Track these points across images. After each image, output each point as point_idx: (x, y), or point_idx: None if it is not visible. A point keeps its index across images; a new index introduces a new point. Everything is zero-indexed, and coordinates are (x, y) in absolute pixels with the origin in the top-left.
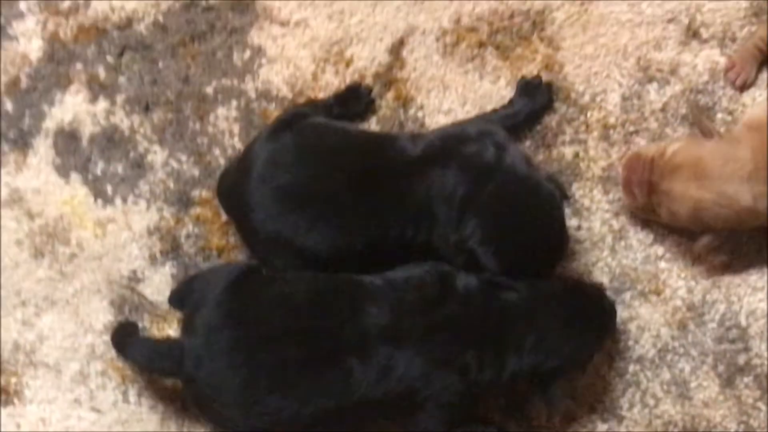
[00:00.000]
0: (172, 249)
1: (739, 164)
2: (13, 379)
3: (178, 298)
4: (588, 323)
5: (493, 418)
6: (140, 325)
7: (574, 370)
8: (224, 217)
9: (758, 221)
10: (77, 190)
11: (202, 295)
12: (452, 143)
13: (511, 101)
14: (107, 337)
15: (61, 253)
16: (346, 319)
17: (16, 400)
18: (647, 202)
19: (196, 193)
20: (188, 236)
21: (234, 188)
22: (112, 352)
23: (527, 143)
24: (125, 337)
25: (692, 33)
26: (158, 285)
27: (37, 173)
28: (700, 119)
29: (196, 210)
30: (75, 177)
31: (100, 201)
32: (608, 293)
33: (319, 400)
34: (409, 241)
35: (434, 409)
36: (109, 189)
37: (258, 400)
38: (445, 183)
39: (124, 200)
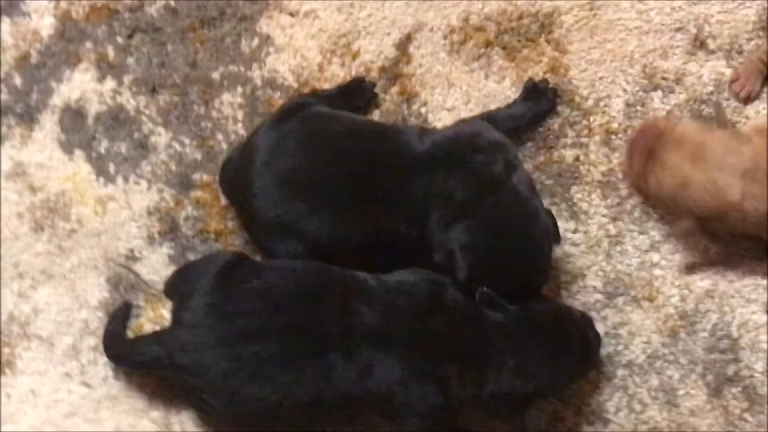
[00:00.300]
0: (170, 230)
1: (739, 159)
2: (6, 350)
3: (171, 289)
4: (571, 352)
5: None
6: (135, 303)
7: (551, 395)
8: (224, 201)
9: (738, 224)
10: (80, 167)
11: (190, 285)
12: (462, 148)
13: (515, 102)
14: (101, 314)
15: (61, 228)
16: (336, 314)
17: (7, 371)
18: (642, 170)
19: (197, 177)
20: (187, 218)
21: (237, 173)
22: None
23: (528, 144)
24: (115, 339)
25: (699, 43)
26: (155, 265)
27: (41, 148)
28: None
29: (197, 193)
30: (79, 154)
31: (102, 179)
32: (601, 298)
33: (299, 392)
34: (403, 236)
35: (409, 416)
36: (111, 168)
37: (238, 390)
38: (447, 186)
39: (126, 179)
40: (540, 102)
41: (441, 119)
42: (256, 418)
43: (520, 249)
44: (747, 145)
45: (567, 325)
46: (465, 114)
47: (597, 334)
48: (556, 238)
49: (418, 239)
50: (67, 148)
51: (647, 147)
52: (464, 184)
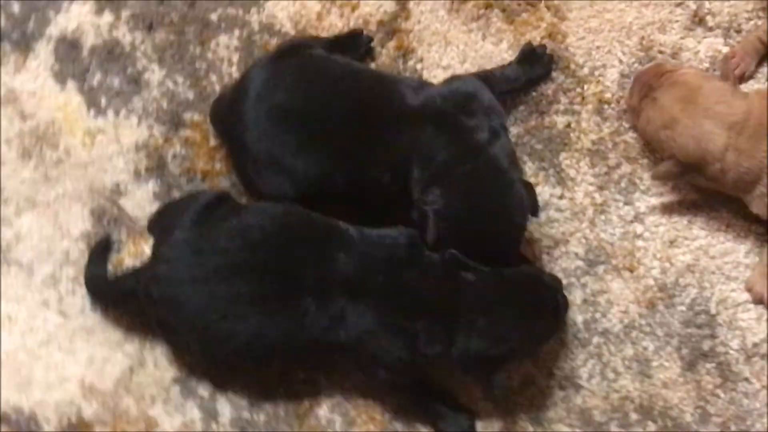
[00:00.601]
0: (157, 167)
1: (730, 110)
2: None
3: (153, 225)
4: (541, 316)
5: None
6: (117, 238)
7: (518, 359)
8: (213, 142)
9: (718, 177)
10: (72, 98)
11: (170, 223)
12: (454, 109)
13: (511, 64)
14: (83, 245)
15: (48, 157)
16: (312, 259)
17: None
18: (638, 105)
19: (188, 116)
20: (175, 157)
21: (230, 105)
22: (85, 260)
23: (521, 108)
24: (95, 273)
25: (698, 19)
26: (139, 201)
27: (34, 76)
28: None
29: (186, 132)
30: (71, 85)
31: (92, 111)
32: (582, 265)
33: (270, 333)
34: (385, 187)
35: (376, 367)
36: (103, 101)
37: (210, 327)
38: (431, 145)
39: (117, 114)
40: (536, 66)
41: (436, 76)
42: (227, 358)
43: (491, 220)
44: (742, 100)
45: (538, 288)
46: (460, 73)
47: (565, 298)
48: (534, 210)
49: (400, 194)
50: (60, 78)
51: (647, 83)
52: (447, 147)
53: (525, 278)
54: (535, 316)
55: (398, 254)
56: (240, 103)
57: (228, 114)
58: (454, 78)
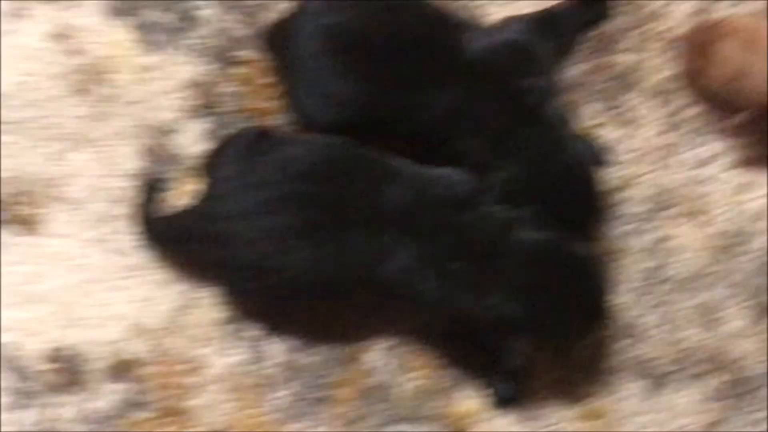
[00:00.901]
0: (209, 105)
1: None
2: (40, 210)
3: (204, 165)
4: (581, 305)
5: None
6: (168, 177)
7: (544, 341)
8: (267, 79)
9: None
10: (125, 33)
11: (218, 160)
12: (507, 65)
13: (572, 2)
14: (134, 183)
15: (100, 94)
16: (362, 192)
17: (39, 231)
18: (696, 66)
19: (241, 53)
20: (227, 94)
21: (284, 25)
22: (137, 199)
23: (584, 46)
24: (147, 213)
25: None
26: (191, 139)
27: (88, 12)
28: None
29: (240, 69)
30: (124, 20)
31: (145, 48)
32: (648, 209)
33: (320, 266)
34: (431, 135)
35: (421, 312)
36: (155, 37)
37: (260, 260)
38: (483, 108)
39: (169, 50)
40: (599, 3)
41: (494, 13)
42: (279, 293)
43: (560, 184)
44: None
45: (591, 278)
46: (521, 6)
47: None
48: (597, 161)
49: (445, 142)
50: (113, 13)
51: (699, 43)
52: (501, 112)
53: (583, 260)
54: (573, 309)
55: (455, 194)
56: (294, 20)
57: (282, 32)
58: (509, 23)
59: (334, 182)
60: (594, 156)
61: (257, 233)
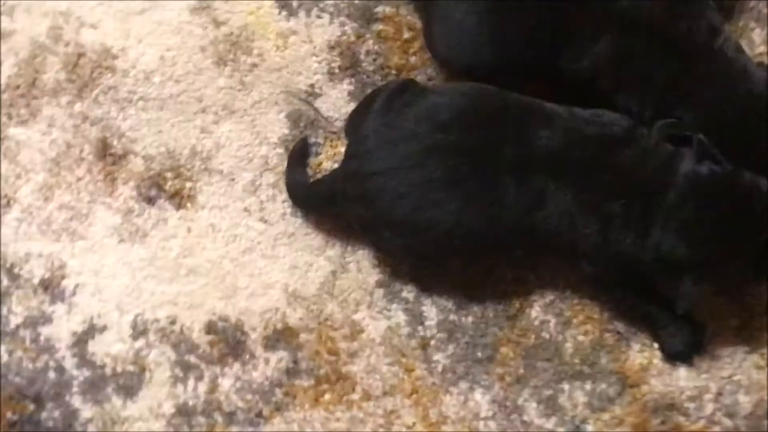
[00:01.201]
0: (351, 65)
1: None
2: (188, 184)
3: (348, 125)
4: (755, 242)
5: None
6: (314, 141)
7: (712, 282)
8: (406, 35)
9: None
10: (263, 1)
11: (360, 119)
12: (664, 14)
13: None
14: (281, 150)
15: (243, 63)
16: (510, 136)
17: (189, 205)
18: None
19: (379, 10)
20: (368, 53)
21: None
22: (284, 166)
23: None
24: (295, 180)
25: None
26: (335, 101)
27: None
28: None
29: (379, 27)
30: None
31: (284, 13)
32: None
33: (469, 217)
34: (583, 81)
35: (580, 259)
36: (294, 2)
37: (408, 216)
38: (645, 60)
39: (308, 13)
40: None
41: None
42: (429, 250)
43: (744, 121)
44: None
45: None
46: None
47: None
48: None
49: (598, 94)
50: None
51: None
52: (663, 59)
53: (755, 198)
54: (746, 246)
55: (611, 132)
56: None
57: None
58: None
59: (480, 129)
60: None
61: (405, 188)
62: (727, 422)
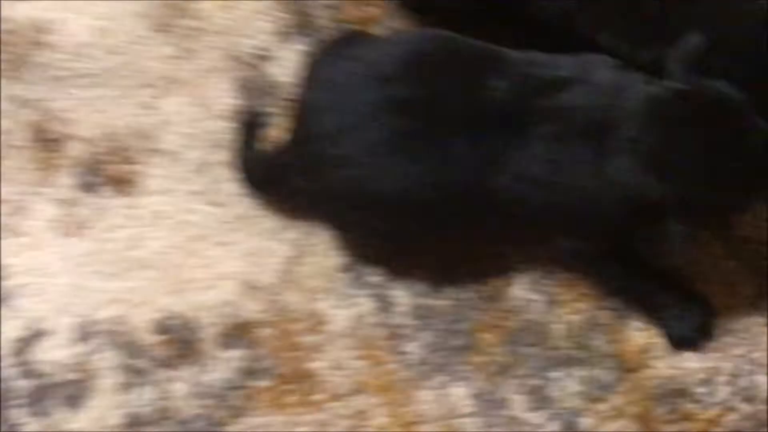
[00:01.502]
0: (303, 23)
1: None
2: (131, 168)
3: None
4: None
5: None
6: (266, 111)
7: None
8: None
9: None
10: None
11: (304, 78)
12: None
13: None
14: (231, 123)
15: (184, 28)
16: (461, 87)
17: (132, 191)
18: None
19: None
20: (321, 7)
21: None
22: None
23: None
24: (246, 158)
25: None
26: (287, 64)
27: None
28: None
29: None
30: None
31: None
32: None
33: (422, 183)
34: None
35: (556, 234)
36: None
37: (359, 183)
38: None
39: None
40: None
41: None
42: (382, 226)
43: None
44: None
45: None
46: None
47: None
48: None
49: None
50: None
51: None
52: None
53: (723, 112)
54: (723, 171)
55: (561, 75)
56: None
57: None
58: None
59: (427, 81)
60: None
61: (348, 153)
62: (746, 408)
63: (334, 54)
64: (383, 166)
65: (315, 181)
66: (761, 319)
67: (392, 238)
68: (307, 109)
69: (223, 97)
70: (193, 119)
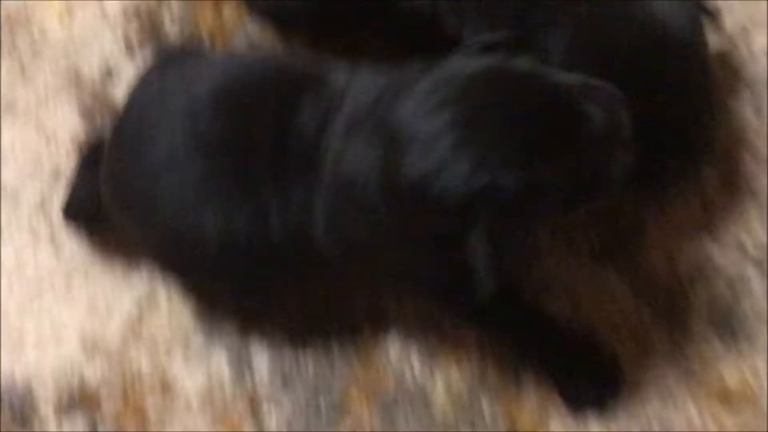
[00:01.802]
0: (153, 36)
1: None
2: None
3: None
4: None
5: None
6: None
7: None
8: None
9: None
10: None
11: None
12: None
13: None
14: (75, 155)
15: (23, 47)
16: (271, 123)
17: None
18: None
19: None
20: (172, 18)
21: None
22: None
23: None
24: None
25: None
26: (133, 81)
27: None
28: None
29: None
30: None
31: None
32: None
33: (235, 234)
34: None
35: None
36: None
37: (171, 230)
38: None
39: None
40: None
41: None
42: (206, 275)
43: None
44: None
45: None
46: None
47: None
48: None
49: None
50: None
51: None
52: None
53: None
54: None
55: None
56: None
57: None
58: None
59: (239, 114)
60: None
61: (164, 193)
62: None
63: (154, 77)
64: (197, 211)
65: (127, 221)
66: (677, 373)
67: (228, 290)
68: (121, 138)
69: (67, 124)
70: (33, 150)
